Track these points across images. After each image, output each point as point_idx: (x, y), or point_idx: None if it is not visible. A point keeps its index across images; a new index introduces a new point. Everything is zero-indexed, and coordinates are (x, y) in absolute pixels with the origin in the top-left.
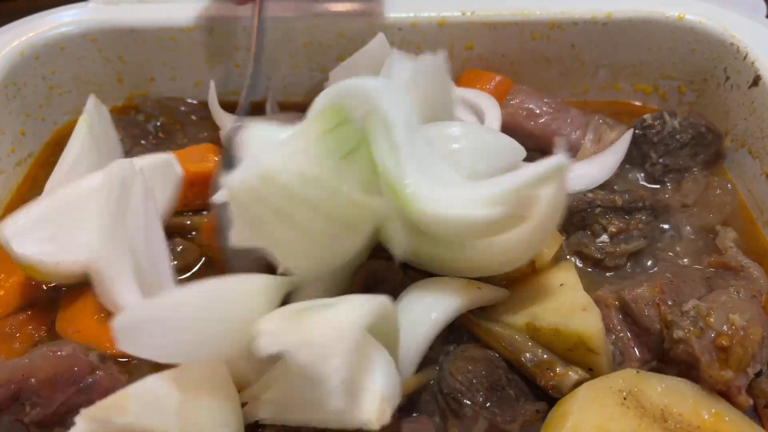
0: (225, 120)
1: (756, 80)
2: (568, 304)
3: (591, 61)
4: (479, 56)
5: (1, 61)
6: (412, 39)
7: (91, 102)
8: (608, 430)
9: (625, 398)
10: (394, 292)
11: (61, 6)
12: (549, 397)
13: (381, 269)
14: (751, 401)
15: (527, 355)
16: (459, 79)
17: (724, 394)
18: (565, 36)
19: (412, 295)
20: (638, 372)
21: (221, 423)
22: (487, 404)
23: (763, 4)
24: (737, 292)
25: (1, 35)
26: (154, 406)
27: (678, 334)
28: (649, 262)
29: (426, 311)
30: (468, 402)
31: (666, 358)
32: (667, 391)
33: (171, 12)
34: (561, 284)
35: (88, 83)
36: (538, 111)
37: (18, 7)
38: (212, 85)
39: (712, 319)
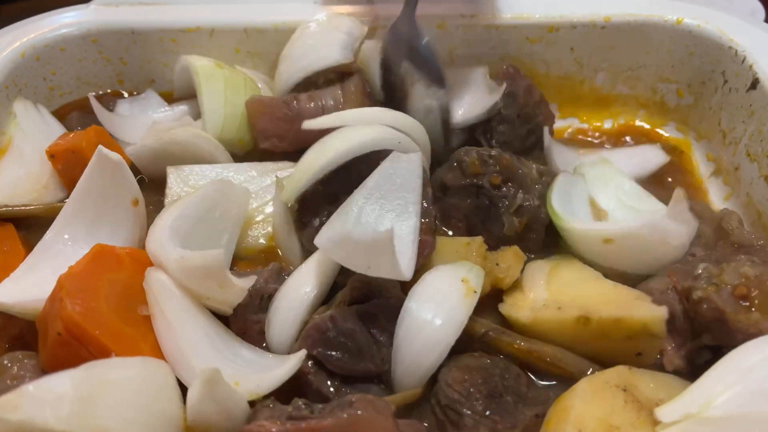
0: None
1: (754, 83)
2: (616, 295)
3: (589, 64)
4: (478, 59)
5: (2, 62)
6: None
7: (20, 105)
8: (610, 423)
9: (624, 391)
10: (390, 307)
11: (62, 8)
12: (545, 401)
13: (376, 283)
14: None
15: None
16: None
17: None
18: (564, 39)
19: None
20: (630, 369)
21: (135, 424)
22: (487, 412)
23: (762, 8)
24: (749, 261)
25: (2, 36)
26: (50, 404)
27: (697, 294)
28: None
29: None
30: (468, 412)
31: (696, 327)
32: (660, 387)
33: (172, 14)
34: (579, 277)
35: (89, 84)
36: None
37: (19, 8)
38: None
39: (725, 276)
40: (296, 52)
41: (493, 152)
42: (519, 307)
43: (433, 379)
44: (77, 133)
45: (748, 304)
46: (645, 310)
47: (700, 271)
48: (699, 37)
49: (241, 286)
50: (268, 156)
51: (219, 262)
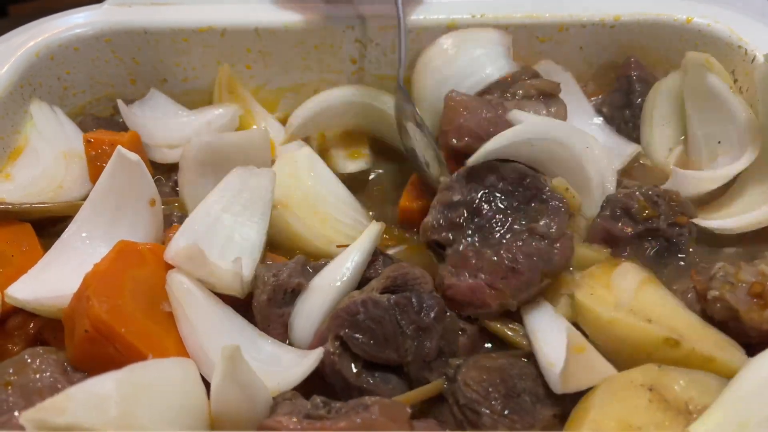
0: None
1: None
2: (709, 332)
3: (599, 63)
4: None
5: (16, 61)
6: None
7: (36, 107)
8: (630, 424)
9: (650, 390)
10: (422, 300)
11: (75, 8)
12: (563, 401)
13: (411, 276)
14: None
15: None
16: None
17: None
18: (574, 38)
19: None
20: (660, 366)
21: (168, 423)
22: (505, 412)
23: None
24: None
25: (16, 36)
26: (95, 407)
27: (712, 293)
28: None
29: None
30: (486, 411)
31: (716, 326)
32: (691, 385)
33: (184, 14)
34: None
35: (102, 84)
36: None
37: (30, 8)
38: (120, 102)
39: (741, 274)
40: (458, 69)
41: (656, 190)
42: (601, 300)
43: (451, 379)
44: (119, 132)
45: (763, 301)
46: (741, 360)
47: (716, 269)
48: (709, 36)
49: (232, 270)
50: None
51: (198, 253)
